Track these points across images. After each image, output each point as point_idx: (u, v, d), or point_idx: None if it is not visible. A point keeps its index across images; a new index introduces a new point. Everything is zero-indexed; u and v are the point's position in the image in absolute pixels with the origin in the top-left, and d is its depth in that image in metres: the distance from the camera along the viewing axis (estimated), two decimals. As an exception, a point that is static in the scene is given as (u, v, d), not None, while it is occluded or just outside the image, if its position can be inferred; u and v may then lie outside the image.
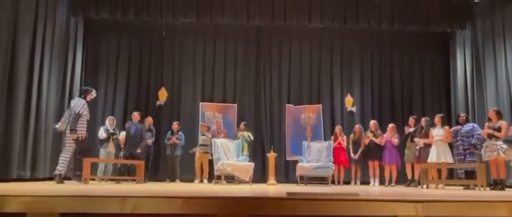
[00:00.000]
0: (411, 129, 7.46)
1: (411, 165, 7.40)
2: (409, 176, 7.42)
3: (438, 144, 6.63)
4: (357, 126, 8.28)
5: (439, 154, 6.56)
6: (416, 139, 7.15)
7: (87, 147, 6.40)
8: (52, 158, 7.46)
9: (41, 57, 6.94)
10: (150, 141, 7.69)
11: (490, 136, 5.89)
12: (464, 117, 6.56)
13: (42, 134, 6.94)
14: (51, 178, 7.14)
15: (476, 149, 6.19)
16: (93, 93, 6.24)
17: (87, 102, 6.04)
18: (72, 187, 4.39)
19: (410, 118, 7.64)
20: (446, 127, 6.77)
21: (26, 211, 2.27)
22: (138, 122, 7.27)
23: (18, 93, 6.33)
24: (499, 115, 5.99)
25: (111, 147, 7.41)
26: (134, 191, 3.24)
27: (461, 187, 6.28)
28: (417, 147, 7.20)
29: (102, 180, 6.75)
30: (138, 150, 7.13)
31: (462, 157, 6.30)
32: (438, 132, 6.72)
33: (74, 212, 2.27)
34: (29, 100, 6.61)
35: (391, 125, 7.88)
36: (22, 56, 6.45)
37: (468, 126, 6.38)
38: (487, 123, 6.05)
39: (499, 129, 5.84)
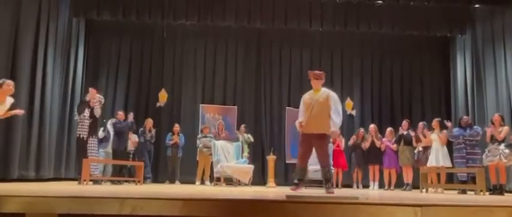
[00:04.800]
0: (405, 132, 7.46)
1: (405, 169, 7.39)
2: (405, 180, 7.41)
3: (437, 148, 6.63)
4: (361, 130, 8.27)
5: (437, 159, 6.57)
6: (415, 136, 7.14)
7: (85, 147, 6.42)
8: (56, 158, 7.47)
9: (44, 57, 6.97)
10: (135, 139, 7.68)
11: (493, 141, 5.89)
12: (467, 120, 6.53)
13: (46, 134, 6.95)
14: (55, 179, 7.16)
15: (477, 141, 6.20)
16: (91, 91, 6.37)
17: (88, 101, 6.22)
18: (71, 188, 4.39)
19: (404, 122, 7.63)
20: (444, 131, 6.77)
21: (25, 211, 2.27)
22: (123, 120, 7.26)
23: (20, 94, 6.35)
24: (503, 120, 6.03)
25: (110, 148, 7.40)
26: (133, 193, 3.23)
27: (461, 192, 6.27)
28: (416, 151, 7.20)
29: (101, 180, 6.73)
30: (132, 148, 7.20)
31: (464, 160, 6.28)
32: (436, 136, 6.73)
33: (72, 213, 2.27)
34: (32, 100, 6.63)
35: (389, 129, 7.88)
36: (24, 56, 6.49)
37: (474, 129, 6.34)
38: (489, 128, 6.05)
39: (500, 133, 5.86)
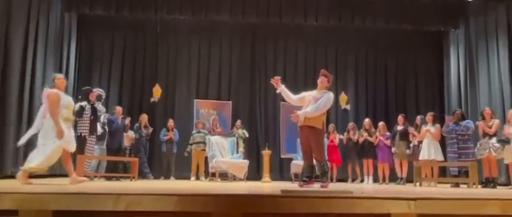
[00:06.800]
0: (400, 127, 7.50)
1: (400, 163, 7.44)
2: (399, 174, 7.47)
3: (429, 142, 6.69)
4: (351, 124, 8.32)
5: (429, 152, 6.62)
6: (411, 130, 7.19)
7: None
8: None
9: (34, 52, 6.89)
10: (131, 136, 7.63)
11: (484, 135, 5.96)
12: (460, 114, 6.58)
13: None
14: (49, 176, 7.09)
15: (469, 136, 6.26)
16: (95, 90, 6.30)
17: (90, 101, 6.18)
18: (65, 184, 4.36)
19: (400, 117, 7.67)
20: (437, 125, 6.82)
21: (19, 208, 2.25)
22: (120, 116, 7.21)
23: (11, 89, 6.29)
24: (494, 114, 6.10)
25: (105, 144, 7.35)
26: (128, 189, 3.22)
27: (454, 185, 6.33)
28: (411, 145, 7.25)
29: (95, 177, 6.71)
30: (128, 144, 7.20)
31: (456, 155, 6.34)
32: (429, 130, 6.78)
33: (66, 210, 2.25)
34: (22, 96, 6.56)
35: (381, 123, 7.91)
36: (15, 51, 6.42)
37: (464, 125, 6.39)
38: (481, 122, 6.11)
39: (490, 127, 5.95)
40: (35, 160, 4.06)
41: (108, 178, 6.63)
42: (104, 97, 6.60)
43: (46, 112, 4.17)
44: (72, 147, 4.36)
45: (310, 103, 4.62)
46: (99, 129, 7.12)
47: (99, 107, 6.35)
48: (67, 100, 4.31)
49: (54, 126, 4.08)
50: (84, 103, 6.15)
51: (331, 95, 4.67)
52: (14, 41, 6.37)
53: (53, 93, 4.17)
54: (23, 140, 4.36)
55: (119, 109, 7.25)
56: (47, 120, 4.14)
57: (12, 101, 6.31)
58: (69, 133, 4.29)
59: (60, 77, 4.38)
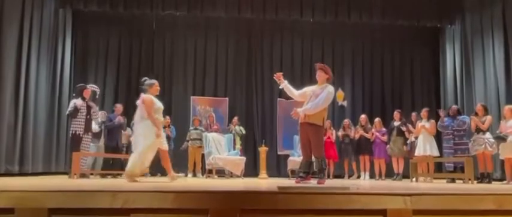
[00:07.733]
0: (396, 123, 7.53)
1: (397, 159, 7.48)
2: (396, 170, 7.51)
3: (424, 137, 6.72)
4: (346, 120, 8.34)
5: (425, 148, 6.66)
6: (407, 128, 7.22)
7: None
8: (45, 152, 7.37)
9: (29, 49, 6.85)
10: (128, 133, 7.59)
11: (478, 130, 6.00)
12: (456, 109, 6.62)
13: (30, 128, 6.85)
14: (45, 173, 7.07)
15: (465, 132, 6.29)
16: (89, 87, 6.25)
17: (84, 98, 6.09)
18: (61, 182, 4.35)
19: (396, 112, 7.70)
20: (432, 120, 6.86)
21: (14, 206, 2.23)
22: (120, 115, 7.17)
23: (5, 86, 6.24)
24: (486, 110, 6.12)
25: (102, 142, 7.32)
26: (125, 186, 3.21)
27: (450, 181, 6.38)
28: (408, 141, 7.28)
29: (91, 174, 6.69)
30: (125, 142, 7.18)
31: (452, 150, 6.38)
32: (424, 125, 6.81)
33: (63, 207, 2.24)
34: (17, 93, 6.51)
35: (377, 119, 7.93)
36: (9, 48, 6.37)
37: (460, 119, 6.43)
38: (473, 117, 6.15)
39: (483, 123, 5.99)
40: (132, 164, 4.53)
41: (104, 176, 6.61)
42: (98, 93, 6.54)
43: (142, 116, 4.66)
44: (166, 146, 4.95)
45: (311, 99, 4.57)
46: (95, 128, 7.09)
47: (94, 108, 6.26)
48: (159, 105, 4.84)
49: (151, 126, 4.61)
50: (78, 101, 6.08)
51: (331, 88, 4.59)
52: (7, 37, 6.32)
53: (148, 99, 4.73)
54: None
55: (119, 107, 7.21)
56: (143, 124, 4.65)
57: (7, 98, 6.27)
58: (162, 134, 4.78)
59: (157, 84, 4.94)
